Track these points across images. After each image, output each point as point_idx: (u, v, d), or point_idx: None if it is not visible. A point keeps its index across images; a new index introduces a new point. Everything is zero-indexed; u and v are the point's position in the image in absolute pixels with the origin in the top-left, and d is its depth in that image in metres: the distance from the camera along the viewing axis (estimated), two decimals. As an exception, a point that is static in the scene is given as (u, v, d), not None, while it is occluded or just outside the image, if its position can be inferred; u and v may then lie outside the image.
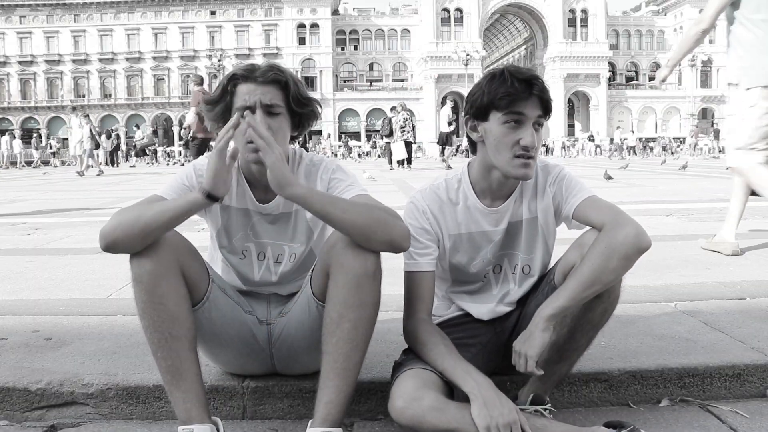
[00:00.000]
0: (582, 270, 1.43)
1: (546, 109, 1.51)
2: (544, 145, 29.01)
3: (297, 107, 1.56)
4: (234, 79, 1.53)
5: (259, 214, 1.64)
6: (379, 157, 31.57)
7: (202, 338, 1.56)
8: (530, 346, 1.43)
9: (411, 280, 1.60)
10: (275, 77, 1.51)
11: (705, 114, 61.48)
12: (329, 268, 1.44)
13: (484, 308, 1.69)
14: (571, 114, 63.48)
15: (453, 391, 1.44)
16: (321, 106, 1.65)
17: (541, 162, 1.64)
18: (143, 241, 1.39)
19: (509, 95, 1.47)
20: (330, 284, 1.45)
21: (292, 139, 1.63)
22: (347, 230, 1.41)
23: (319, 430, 1.41)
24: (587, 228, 1.56)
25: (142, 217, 1.39)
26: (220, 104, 1.55)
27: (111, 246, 1.40)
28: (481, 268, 1.67)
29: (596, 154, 35.69)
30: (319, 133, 46.10)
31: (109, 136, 24.07)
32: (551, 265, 1.71)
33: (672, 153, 34.50)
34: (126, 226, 1.38)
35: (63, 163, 26.10)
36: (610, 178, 10.16)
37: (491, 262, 1.66)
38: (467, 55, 46.53)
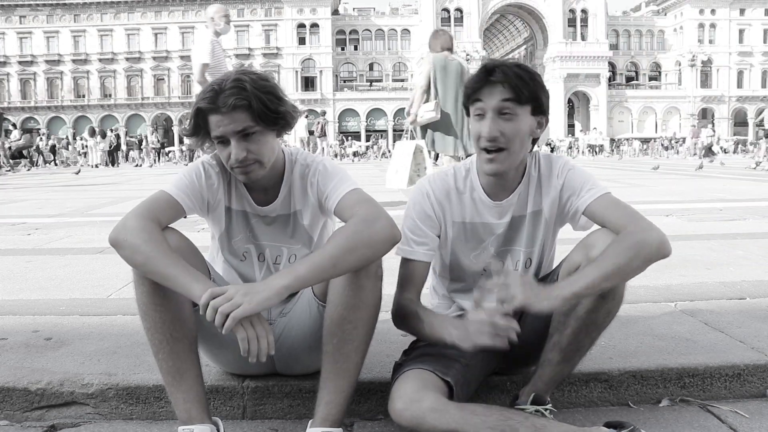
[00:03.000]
0: (605, 262, 1.38)
1: (518, 92, 1.45)
2: (548, 144, 28.20)
3: (268, 124, 1.50)
4: (201, 113, 1.48)
5: (258, 216, 1.64)
6: (382, 156, 31.55)
7: (202, 339, 1.56)
8: (529, 303, 1.34)
9: (405, 266, 1.62)
10: (236, 103, 1.44)
11: (705, 114, 61.44)
12: None
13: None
14: (571, 114, 63.42)
15: (453, 392, 1.44)
16: (296, 110, 1.58)
17: (543, 155, 1.64)
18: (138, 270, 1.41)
19: (471, 85, 1.48)
20: (330, 285, 1.45)
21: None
22: (350, 271, 1.40)
23: (319, 430, 1.41)
24: (593, 228, 1.55)
25: (148, 263, 1.37)
26: (200, 136, 1.53)
27: (114, 247, 1.43)
28: (480, 259, 1.67)
29: (597, 153, 35.50)
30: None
31: (104, 136, 23.85)
32: (554, 263, 1.70)
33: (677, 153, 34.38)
34: (133, 254, 1.39)
35: (62, 163, 26.01)
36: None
37: (492, 256, 1.66)
38: (467, 55, 46.52)
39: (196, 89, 9.64)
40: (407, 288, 1.59)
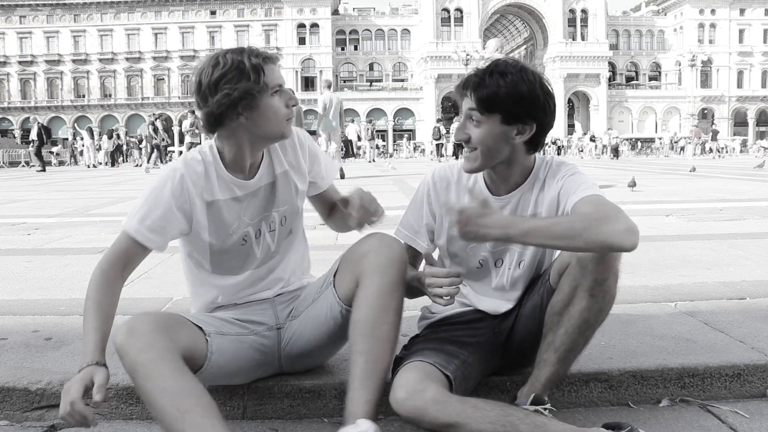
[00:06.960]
0: (561, 222, 1.38)
1: (482, 103, 1.51)
2: (554, 143, 28.06)
3: None
4: (267, 61, 1.51)
5: (247, 193, 1.63)
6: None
7: (215, 381, 1.59)
8: (484, 225, 1.37)
9: None
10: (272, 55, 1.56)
11: (705, 114, 61.44)
12: (362, 274, 1.50)
13: (485, 301, 1.70)
14: (571, 114, 63.43)
15: (452, 387, 1.44)
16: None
17: (557, 161, 1.66)
18: None
19: (455, 91, 1.60)
20: (364, 289, 1.49)
21: None
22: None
23: (367, 422, 1.38)
24: None
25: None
26: (251, 83, 1.48)
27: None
28: (476, 252, 1.68)
29: (601, 153, 35.29)
30: (319, 133, 45.98)
31: (110, 136, 24.04)
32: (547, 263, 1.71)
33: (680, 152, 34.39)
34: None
35: (62, 163, 25.99)
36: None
37: (488, 250, 1.67)
38: (467, 55, 46.45)
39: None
40: None
